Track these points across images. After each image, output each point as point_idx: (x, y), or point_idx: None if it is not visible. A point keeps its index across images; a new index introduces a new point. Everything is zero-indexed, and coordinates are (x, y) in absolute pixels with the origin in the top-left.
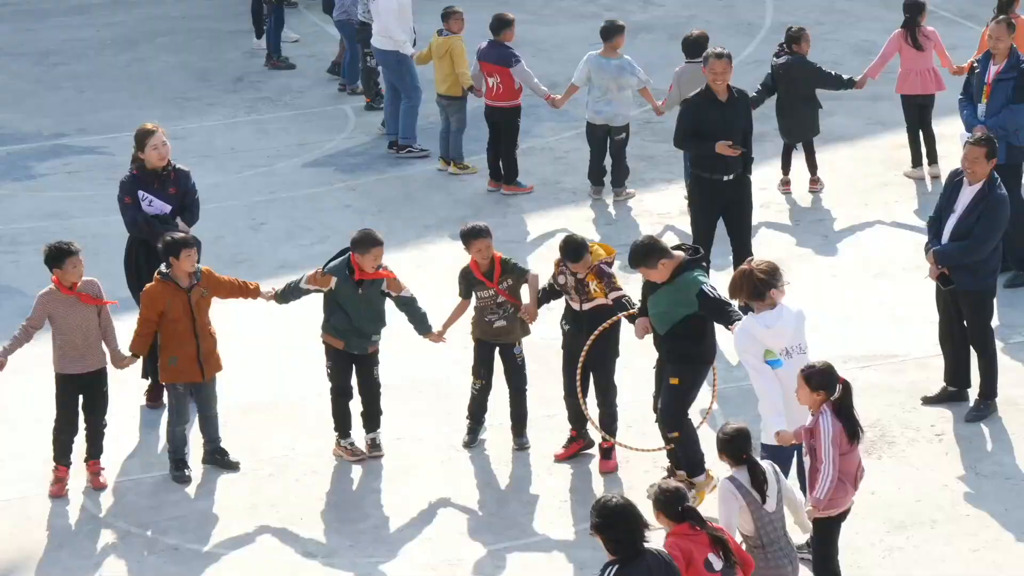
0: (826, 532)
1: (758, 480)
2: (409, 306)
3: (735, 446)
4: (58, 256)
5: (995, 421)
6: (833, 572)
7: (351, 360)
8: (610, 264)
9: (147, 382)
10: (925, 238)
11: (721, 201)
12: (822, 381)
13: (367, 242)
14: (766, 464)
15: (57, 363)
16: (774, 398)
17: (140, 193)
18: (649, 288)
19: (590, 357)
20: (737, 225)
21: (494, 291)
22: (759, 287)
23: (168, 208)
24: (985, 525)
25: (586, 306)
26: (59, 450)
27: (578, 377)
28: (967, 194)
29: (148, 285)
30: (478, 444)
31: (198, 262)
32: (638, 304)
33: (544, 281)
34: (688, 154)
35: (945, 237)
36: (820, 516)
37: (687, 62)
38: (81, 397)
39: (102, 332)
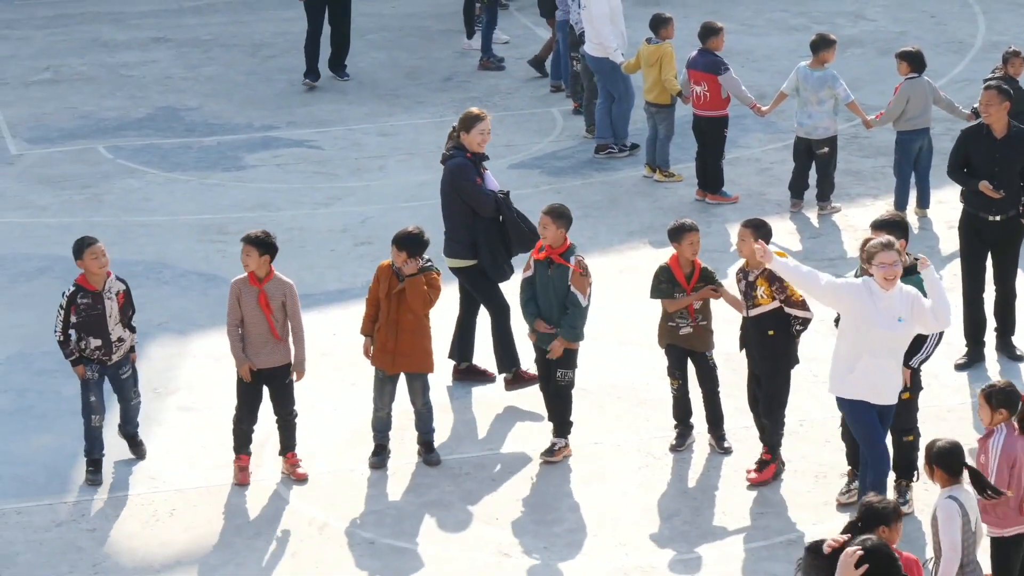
0: (1002, 554)
1: (982, 486)
2: (575, 306)
3: (954, 460)
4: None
5: None
6: None
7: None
8: None
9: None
10: None
11: (986, 239)
12: (1002, 399)
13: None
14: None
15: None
16: None
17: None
18: None
19: (756, 364)
20: (999, 265)
21: (685, 294)
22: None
23: (497, 186)
24: None
25: (752, 312)
26: (238, 441)
27: None
28: None
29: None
30: (684, 448)
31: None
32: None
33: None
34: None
35: None
36: (994, 536)
37: (907, 78)
38: (266, 389)
39: (290, 331)
